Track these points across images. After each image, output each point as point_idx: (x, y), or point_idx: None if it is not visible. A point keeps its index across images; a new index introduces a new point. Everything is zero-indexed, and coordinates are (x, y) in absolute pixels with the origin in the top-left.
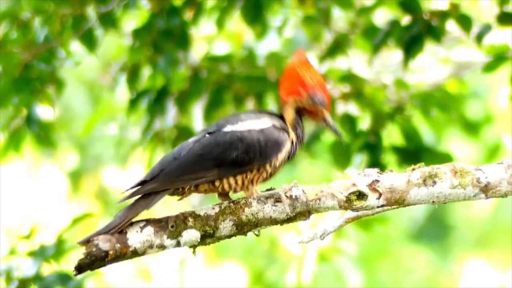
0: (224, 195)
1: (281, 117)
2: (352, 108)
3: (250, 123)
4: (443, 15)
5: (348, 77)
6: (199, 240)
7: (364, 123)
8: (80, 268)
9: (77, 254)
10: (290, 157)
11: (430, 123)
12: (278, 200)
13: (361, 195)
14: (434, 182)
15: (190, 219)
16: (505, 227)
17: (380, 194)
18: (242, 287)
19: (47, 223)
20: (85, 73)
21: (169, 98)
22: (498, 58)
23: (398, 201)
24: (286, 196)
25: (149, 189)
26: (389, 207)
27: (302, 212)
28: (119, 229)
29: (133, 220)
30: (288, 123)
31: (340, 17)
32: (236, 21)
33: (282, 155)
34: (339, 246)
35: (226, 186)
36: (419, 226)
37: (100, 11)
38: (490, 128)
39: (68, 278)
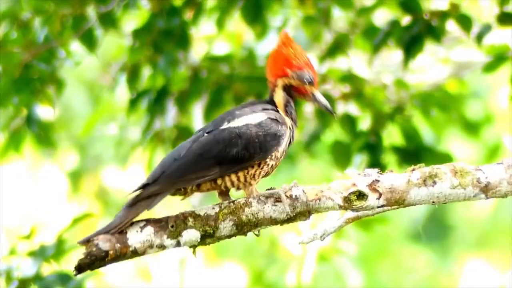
0: (224, 194)
1: (271, 101)
2: (352, 108)
3: (246, 118)
4: (443, 15)
5: (348, 77)
6: (199, 240)
7: (364, 123)
8: (80, 268)
9: (77, 254)
10: (290, 143)
11: (430, 123)
12: (278, 200)
13: (361, 195)
14: (434, 182)
15: (190, 219)
16: (505, 227)
17: (380, 194)
18: (242, 287)
19: (47, 223)
20: (85, 73)
21: (169, 98)
22: (498, 58)
23: (398, 201)
24: (286, 196)
25: (151, 192)
26: (389, 207)
27: (302, 212)
28: (119, 229)
29: (133, 220)
30: (279, 106)
31: (340, 17)
32: (236, 21)
33: (282, 147)
34: (339, 246)
35: (228, 184)
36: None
37: (100, 11)
38: (490, 128)
39: (68, 278)
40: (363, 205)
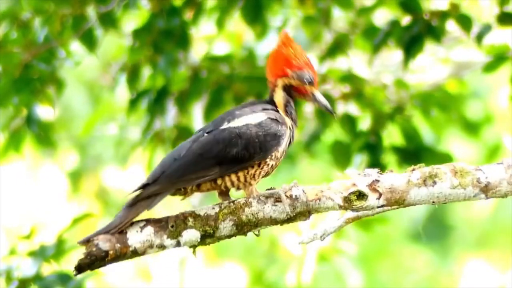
0: (224, 194)
1: (271, 101)
2: (352, 108)
3: (247, 118)
4: (443, 15)
5: (348, 77)
6: (199, 240)
7: (364, 123)
8: (80, 268)
9: (77, 254)
10: (290, 143)
11: (430, 123)
12: (278, 200)
13: (361, 195)
14: (434, 182)
15: (190, 219)
16: (505, 227)
17: (380, 194)
18: (242, 287)
19: (47, 223)
20: (85, 73)
21: (169, 98)
22: (498, 58)
23: (398, 201)
24: (286, 196)
25: (151, 192)
26: (389, 207)
27: (302, 212)
28: (119, 230)
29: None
30: (279, 107)
31: (340, 17)
32: (236, 21)
33: (282, 147)
34: (339, 246)
35: (228, 184)
36: (419, 226)
37: (100, 11)
38: (490, 128)
39: (68, 278)
40: (363, 205)
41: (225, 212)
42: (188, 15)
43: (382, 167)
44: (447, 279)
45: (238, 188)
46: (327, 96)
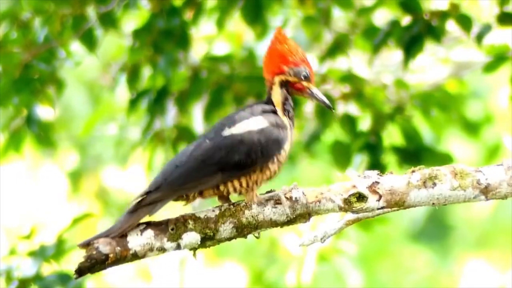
0: (224, 197)
1: (269, 101)
2: (352, 108)
3: (247, 123)
4: (443, 15)
5: (348, 77)
6: (199, 243)
7: (364, 123)
8: (81, 271)
9: (77, 254)
10: (290, 144)
11: (430, 123)
12: (278, 202)
13: (361, 197)
14: (434, 184)
15: (190, 222)
16: (505, 227)
17: (380, 196)
18: (242, 287)
19: (47, 223)
20: (85, 73)
21: (169, 98)
22: (498, 58)
23: (398, 203)
24: (286, 198)
25: (153, 199)
26: (389, 209)
27: (302, 214)
28: (120, 234)
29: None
30: (277, 105)
31: (340, 17)
32: (236, 21)
33: (284, 151)
34: (339, 247)
35: (231, 190)
36: (419, 226)
37: (100, 11)
38: (490, 128)
39: (68, 278)
40: (363, 207)
41: (225, 214)
42: (188, 15)
43: (382, 167)
44: (447, 279)
45: (240, 194)
46: (327, 96)
